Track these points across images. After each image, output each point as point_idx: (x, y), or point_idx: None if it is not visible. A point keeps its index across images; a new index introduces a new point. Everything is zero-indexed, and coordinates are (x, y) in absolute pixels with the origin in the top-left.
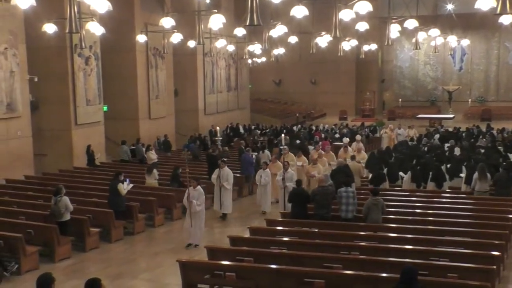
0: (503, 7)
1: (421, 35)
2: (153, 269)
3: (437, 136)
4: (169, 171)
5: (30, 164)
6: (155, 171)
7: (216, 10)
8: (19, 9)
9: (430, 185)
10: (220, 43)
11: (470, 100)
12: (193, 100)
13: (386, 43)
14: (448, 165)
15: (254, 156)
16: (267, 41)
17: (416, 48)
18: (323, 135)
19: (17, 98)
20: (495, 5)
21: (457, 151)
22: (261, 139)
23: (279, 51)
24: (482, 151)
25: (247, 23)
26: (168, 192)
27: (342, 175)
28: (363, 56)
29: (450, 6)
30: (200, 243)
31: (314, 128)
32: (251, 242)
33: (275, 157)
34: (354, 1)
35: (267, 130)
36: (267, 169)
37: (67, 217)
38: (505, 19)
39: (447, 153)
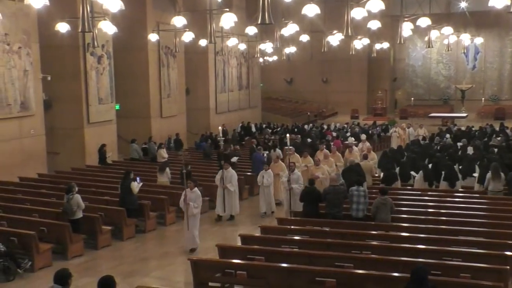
0: None
1: (434, 33)
2: (164, 267)
3: (449, 135)
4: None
5: (43, 162)
6: (167, 169)
7: (227, 9)
8: (32, 8)
9: (443, 185)
10: (232, 41)
11: (483, 98)
12: (205, 99)
13: (398, 42)
14: (460, 165)
15: (265, 155)
16: (279, 40)
17: (429, 47)
18: (334, 134)
19: (30, 97)
20: (509, 3)
21: (470, 150)
22: (272, 137)
23: (291, 49)
24: (496, 150)
25: (259, 22)
26: (180, 190)
27: (353, 174)
28: (375, 55)
29: (463, 4)
30: (196, 246)
31: (325, 127)
32: (262, 241)
33: (278, 157)
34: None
35: (278, 129)
36: (269, 170)
37: (80, 215)
38: None
39: (459, 152)
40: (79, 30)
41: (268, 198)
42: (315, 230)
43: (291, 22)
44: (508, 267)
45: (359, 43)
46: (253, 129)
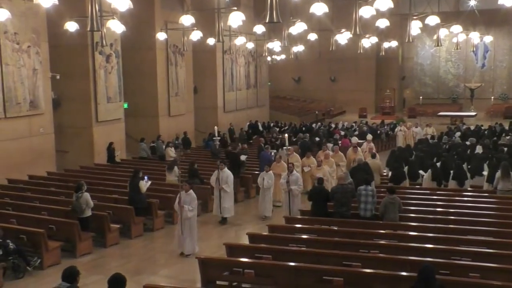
0: None
1: (443, 32)
2: (172, 266)
3: (458, 134)
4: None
5: (52, 160)
6: (176, 168)
7: (235, 8)
8: (41, 7)
9: (452, 184)
10: (240, 40)
11: (492, 97)
12: (212, 98)
13: (406, 40)
14: (468, 163)
15: (273, 154)
16: (287, 39)
17: (438, 45)
18: (342, 133)
19: (39, 95)
20: None
21: (479, 149)
22: (280, 136)
23: (299, 48)
24: (505, 149)
25: (267, 21)
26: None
27: (361, 173)
28: (383, 53)
29: (472, 2)
30: (193, 253)
31: (333, 125)
32: (270, 240)
33: (279, 157)
34: None
35: (286, 128)
36: (270, 171)
37: (88, 213)
38: None
39: (468, 151)
40: (88, 29)
41: (268, 201)
42: (323, 229)
43: (299, 20)
44: None
45: (368, 42)
46: (260, 128)
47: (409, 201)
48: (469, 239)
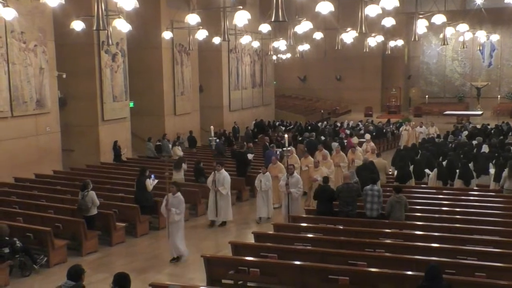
0: None
1: (449, 31)
2: (177, 264)
3: (465, 133)
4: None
5: (58, 159)
6: (184, 165)
7: (241, 7)
8: (48, 7)
9: (458, 183)
10: (245, 39)
11: (499, 96)
12: (218, 97)
13: (412, 39)
14: (475, 163)
15: (278, 153)
16: (292, 37)
17: (444, 44)
18: (348, 132)
19: (46, 94)
20: None
21: (485, 148)
22: (285, 135)
23: (304, 47)
24: None
25: (272, 19)
26: (193, 188)
27: (367, 172)
28: (389, 52)
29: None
30: (184, 254)
31: (339, 124)
32: (275, 238)
33: (276, 158)
34: None
35: (292, 127)
36: (267, 173)
37: (94, 211)
38: None
39: (474, 150)
40: (94, 28)
41: (267, 203)
42: (328, 228)
43: (305, 19)
44: None
45: (373, 41)
46: (266, 127)
47: (415, 200)
48: (475, 239)
